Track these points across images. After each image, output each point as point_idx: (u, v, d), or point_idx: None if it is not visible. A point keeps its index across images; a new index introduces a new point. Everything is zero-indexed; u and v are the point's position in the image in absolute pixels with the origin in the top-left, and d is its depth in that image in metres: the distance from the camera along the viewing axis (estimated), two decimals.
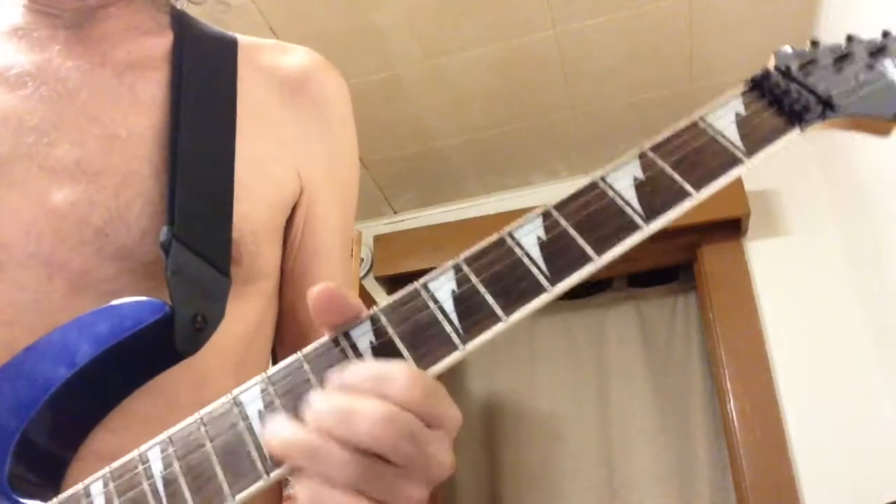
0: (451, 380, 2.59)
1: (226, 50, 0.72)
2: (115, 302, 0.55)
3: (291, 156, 0.71)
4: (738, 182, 2.06)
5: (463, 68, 2.02)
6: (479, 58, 1.99)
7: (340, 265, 0.76)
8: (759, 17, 1.89)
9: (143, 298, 0.55)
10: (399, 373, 0.42)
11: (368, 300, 2.22)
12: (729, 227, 2.12)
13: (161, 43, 0.70)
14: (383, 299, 0.46)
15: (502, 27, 1.91)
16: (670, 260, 2.36)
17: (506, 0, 1.83)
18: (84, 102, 0.63)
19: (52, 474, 0.52)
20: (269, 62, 0.74)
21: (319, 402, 0.42)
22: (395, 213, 2.57)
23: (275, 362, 0.75)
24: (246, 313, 0.66)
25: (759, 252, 2.14)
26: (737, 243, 2.16)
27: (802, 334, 2.01)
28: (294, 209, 0.72)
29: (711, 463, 2.25)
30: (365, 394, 0.41)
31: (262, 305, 0.69)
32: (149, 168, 0.61)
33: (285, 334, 0.74)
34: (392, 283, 2.34)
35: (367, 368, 0.43)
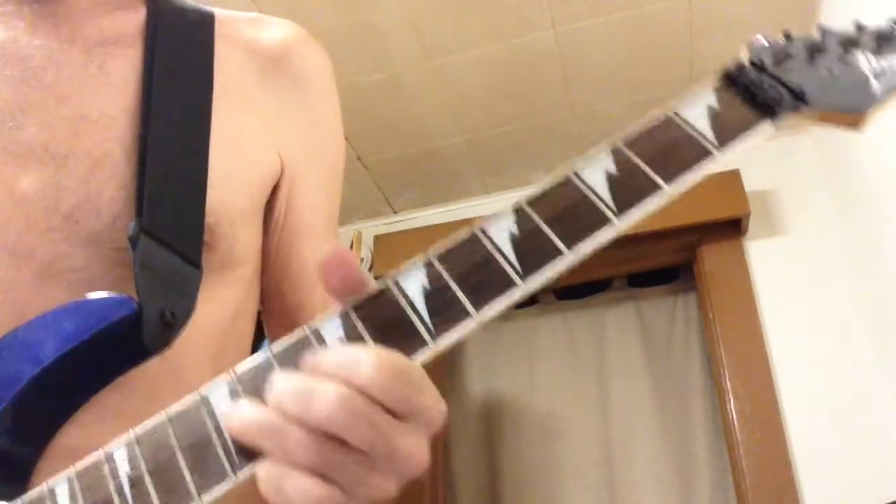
0: (452, 380, 2.59)
1: (202, 25, 0.69)
2: (82, 297, 0.53)
3: (271, 134, 0.68)
4: (738, 182, 2.07)
5: (463, 68, 2.02)
6: (479, 58, 1.99)
7: (325, 243, 0.73)
8: (759, 17, 1.89)
9: (111, 294, 0.53)
10: (367, 357, 0.40)
11: None
12: (729, 227, 2.12)
13: (133, 18, 0.67)
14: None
15: (502, 27, 1.91)
16: (670, 260, 2.36)
17: (506, 0, 1.83)
18: (52, 83, 0.60)
19: (20, 473, 0.50)
20: (248, 37, 0.71)
21: (280, 382, 0.41)
22: (395, 213, 2.57)
23: (255, 347, 0.73)
24: (223, 301, 0.64)
25: (759, 252, 2.14)
26: (737, 243, 2.15)
27: (802, 334, 2.01)
28: (275, 189, 0.69)
29: (711, 463, 2.25)
30: (329, 376, 0.40)
31: (240, 292, 0.66)
32: (120, 151, 0.58)
33: (272, 318, 0.72)
34: None
35: (339, 353, 0.42)
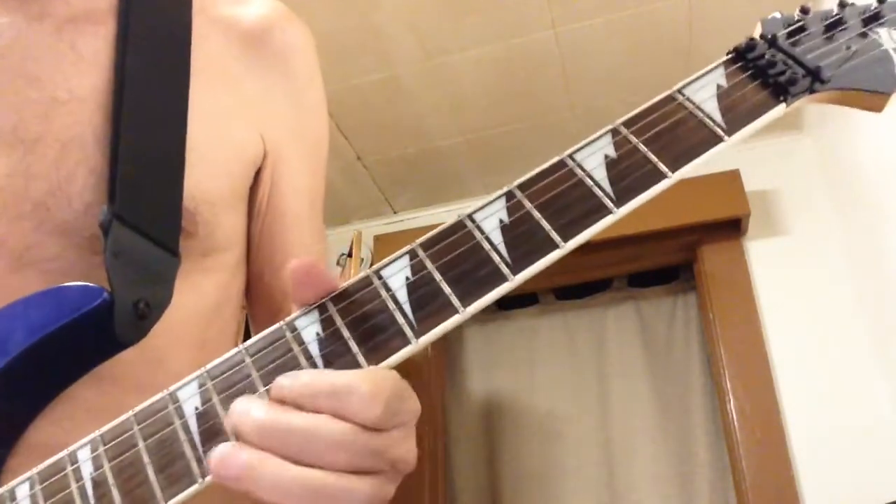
0: (451, 379, 2.59)
1: (179, 0, 0.65)
2: (52, 287, 0.51)
3: (253, 115, 0.66)
4: (738, 182, 2.07)
5: (463, 68, 2.02)
6: (479, 58, 1.99)
7: (310, 228, 0.71)
8: (759, 17, 1.89)
9: (82, 283, 0.50)
10: (358, 387, 0.38)
11: None
12: (729, 227, 2.12)
13: None
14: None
15: (502, 27, 1.91)
16: (670, 260, 2.36)
17: (506, 0, 1.83)
18: (20, 62, 0.57)
19: None
20: (228, 13, 0.68)
21: (272, 419, 0.38)
22: (395, 213, 2.57)
23: (247, 334, 0.72)
24: (205, 288, 0.61)
25: (759, 252, 2.14)
26: (737, 243, 2.15)
27: (802, 334, 2.01)
28: (259, 172, 0.66)
29: (711, 463, 2.25)
30: (321, 412, 0.38)
31: (224, 278, 0.64)
32: (91, 134, 0.55)
33: (255, 303, 0.69)
34: None
35: (321, 380, 0.39)
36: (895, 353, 1.80)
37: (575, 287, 2.49)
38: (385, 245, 2.37)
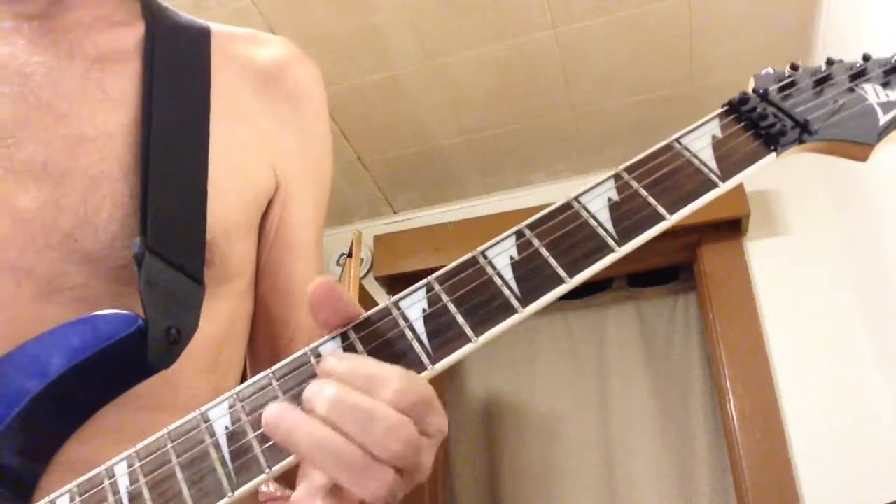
0: (451, 379, 2.59)
1: (199, 40, 0.69)
2: (88, 314, 0.53)
3: (266, 149, 0.69)
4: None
5: (463, 68, 2.02)
6: (479, 58, 1.99)
7: (315, 260, 0.74)
8: (759, 17, 1.89)
9: (117, 311, 0.53)
10: (393, 381, 0.41)
11: (368, 300, 2.22)
12: (729, 227, 2.12)
13: (132, 34, 0.67)
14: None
15: (502, 27, 1.91)
16: (670, 260, 2.36)
17: (506, 0, 1.83)
18: (50, 100, 0.60)
19: (23, 487, 0.51)
20: (243, 53, 0.72)
21: (342, 394, 0.41)
22: (395, 213, 2.57)
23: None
24: (218, 314, 0.64)
25: (759, 252, 2.14)
26: (737, 243, 2.16)
27: (802, 334, 2.01)
28: (269, 205, 0.70)
29: (711, 463, 2.25)
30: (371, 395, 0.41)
31: (234, 304, 0.67)
32: (118, 169, 0.58)
33: (257, 330, 0.72)
34: (392, 283, 2.34)
35: (362, 366, 0.42)
36: (895, 354, 1.80)
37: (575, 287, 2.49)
38: (385, 245, 2.37)
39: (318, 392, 0.42)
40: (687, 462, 2.29)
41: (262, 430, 0.42)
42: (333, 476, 0.41)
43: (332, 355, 0.43)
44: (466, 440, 2.52)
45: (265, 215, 0.70)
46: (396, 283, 2.36)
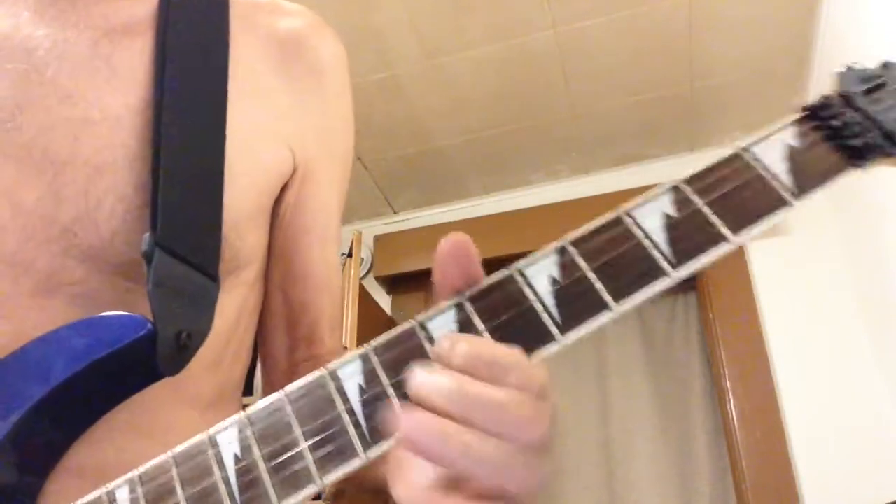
0: None
1: (217, 8, 0.63)
2: (93, 316, 0.50)
3: (284, 129, 0.64)
4: None
5: (463, 68, 2.02)
6: (479, 58, 1.99)
7: (334, 243, 0.70)
8: (759, 17, 1.89)
9: (125, 314, 0.50)
10: (518, 365, 0.38)
11: (369, 300, 2.22)
12: None
13: (144, 3, 0.61)
14: (381, 335, 0.41)
15: (502, 27, 1.91)
16: None
17: (506, 0, 1.83)
18: (54, 77, 0.54)
19: (26, 493, 0.49)
20: (264, 23, 0.66)
21: (463, 387, 0.36)
22: (395, 213, 2.57)
23: (255, 350, 0.68)
24: (225, 308, 0.60)
25: (759, 252, 2.14)
26: None
27: (802, 334, 2.01)
28: (285, 187, 0.65)
29: (711, 463, 2.25)
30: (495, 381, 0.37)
31: (243, 295, 0.63)
32: (123, 158, 0.53)
33: (273, 319, 0.68)
34: (392, 282, 2.34)
35: (484, 348, 0.38)
36: (895, 353, 1.80)
37: None
38: (385, 245, 2.37)
39: (439, 385, 0.37)
40: (687, 462, 2.29)
41: (273, 463, 0.39)
42: (482, 477, 0.36)
43: (446, 338, 0.38)
44: None
45: (279, 198, 0.65)
46: (396, 284, 2.36)
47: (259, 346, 0.69)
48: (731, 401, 1.98)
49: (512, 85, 2.09)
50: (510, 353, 0.38)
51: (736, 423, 1.96)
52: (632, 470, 2.33)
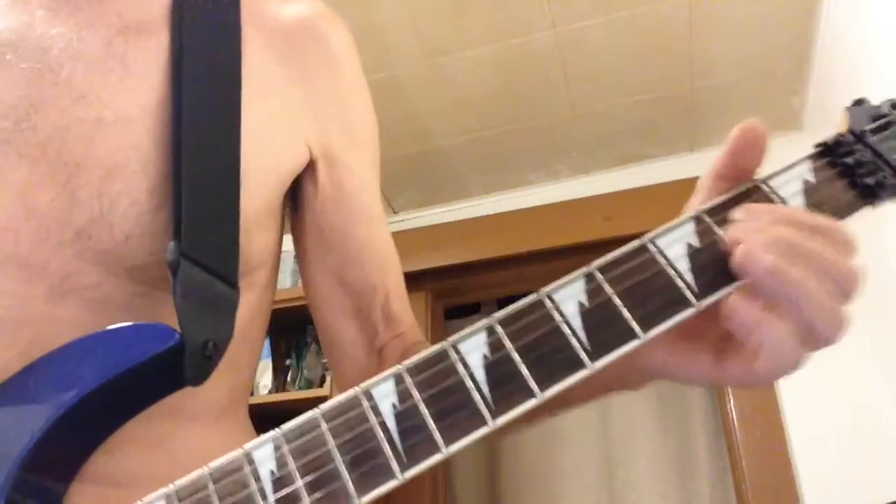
0: None
1: (228, 3, 0.62)
2: (121, 325, 0.50)
3: (297, 122, 0.63)
4: None
5: (463, 68, 2.02)
6: (479, 58, 1.99)
7: (381, 221, 0.70)
8: (759, 17, 1.89)
9: (151, 324, 0.49)
10: (839, 231, 0.41)
11: None
12: None
13: (158, 1, 0.60)
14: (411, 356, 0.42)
15: (502, 27, 1.91)
16: None
17: (506, 0, 1.83)
18: (69, 77, 0.54)
19: (51, 500, 0.48)
20: (271, 14, 0.65)
21: (793, 235, 0.39)
22: (395, 213, 2.57)
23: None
24: (238, 311, 0.59)
25: None
26: None
27: None
28: (303, 179, 0.65)
29: (711, 463, 2.25)
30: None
31: (255, 297, 0.62)
32: (136, 160, 0.52)
33: (337, 311, 0.67)
34: None
35: (801, 214, 0.41)
36: (895, 354, 1.80)
37: None
38: None
39: (758, 229, 0.39)
40: (687, 462, 2.29)
41: (309, 478, 0.39)
42: (808, 318, 0.39)
43: (752, 205, 0.41)
44: None
45: (301, 187, 0.65)
46: None
47: (327, 351, 0.69)
48: (731, 401, 1.98)
49: (512, 85, 2.09)
50: (826, 219, 0.41)
51: (736, 423, 1.96)
52: (632, 470, 2.33)
